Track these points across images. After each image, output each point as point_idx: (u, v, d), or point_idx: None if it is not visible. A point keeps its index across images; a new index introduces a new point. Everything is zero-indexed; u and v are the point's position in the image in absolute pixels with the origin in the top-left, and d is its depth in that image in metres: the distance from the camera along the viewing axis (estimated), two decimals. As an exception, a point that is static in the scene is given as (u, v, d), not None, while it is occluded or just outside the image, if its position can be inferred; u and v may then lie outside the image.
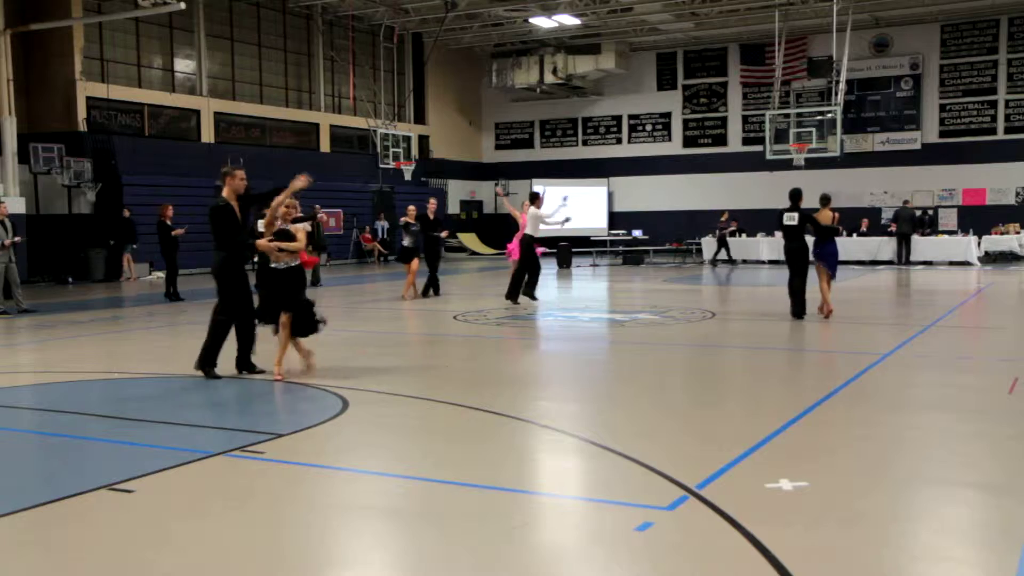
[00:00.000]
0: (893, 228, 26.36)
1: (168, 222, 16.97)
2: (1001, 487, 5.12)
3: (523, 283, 15.26)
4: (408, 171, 29.06)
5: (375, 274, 25.30)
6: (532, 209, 15.39)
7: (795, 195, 13.10)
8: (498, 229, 37.66)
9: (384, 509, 4.92)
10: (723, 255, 27.14)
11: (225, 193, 8.64)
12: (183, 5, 20.48)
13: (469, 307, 15.46)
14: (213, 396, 8.42)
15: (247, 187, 8.82)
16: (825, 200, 13.35)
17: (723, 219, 27.44)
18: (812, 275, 13.25)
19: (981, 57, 30.99)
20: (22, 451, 6.42)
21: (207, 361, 8.71)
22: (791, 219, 12.94)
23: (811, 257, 13.15)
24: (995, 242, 26.81)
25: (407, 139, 29.10)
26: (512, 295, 15.31)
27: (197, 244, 18.21)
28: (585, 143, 37.28)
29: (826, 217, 12.99)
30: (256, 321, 8.82)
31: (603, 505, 4.89)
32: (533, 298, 15.33)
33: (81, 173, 22.98)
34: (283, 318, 8.60)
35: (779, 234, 29.10)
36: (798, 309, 12.87)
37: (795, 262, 13.09)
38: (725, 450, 5.76)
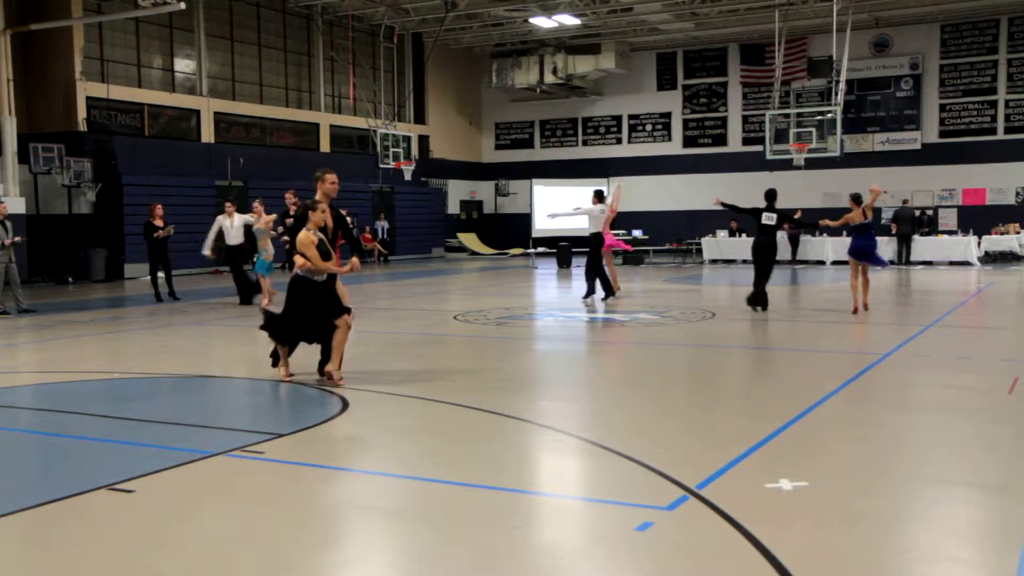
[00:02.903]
0: (894, 229, 26.35)
1: (157, 222, 16.42)
2: (1001, 487, 5.12)
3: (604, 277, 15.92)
4: (408, 171, 29.07)
5: (375, 274, 25.30)
6: (600, 205, 15.97)
7: (771, 195, 14.04)
8: (498, 229, 37.71)
9: (384, 509, 4.92)
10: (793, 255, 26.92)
11: (318, 196, 8.39)
12: (183, 5, 20.47)
13: (469, 307, 15.46)
14: (213, 396, 8.43)
15: (340, 214, 8.47)
16: (857, 199, 13.73)
17: (796, 215, 26.81)
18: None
19: (981, 57, 30.99)
20: (22, 451, 6.42)
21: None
22: (769, 219, 13.75)
23: (847, 254, 13.73)
24: (995, 242, 26.81)
25: (407, 139, 29.10)
26: (608, 289, 15.92)
27: (191, 244, 18.26)
28: (585, 143, 37.28)
29: (859, 215, 13.52)
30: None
31: (603, 505, 4.89)
32: (593, 292, 15.91)
33: (81, 173, 22.95)
34: (342, 321, 8.03)
35: (779, 234, 29.25)
36: (756, 300, 13.88)
37: (763, 260, 13.96)
38: (725, 450, 5.76)
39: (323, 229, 8.06)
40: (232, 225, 16.28)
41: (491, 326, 12.82)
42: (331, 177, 8.47)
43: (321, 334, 8.13)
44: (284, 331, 8.23)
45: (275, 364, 8.50)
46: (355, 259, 8.32)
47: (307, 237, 7.85)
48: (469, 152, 38.25)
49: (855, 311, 13.24)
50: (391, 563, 4.21)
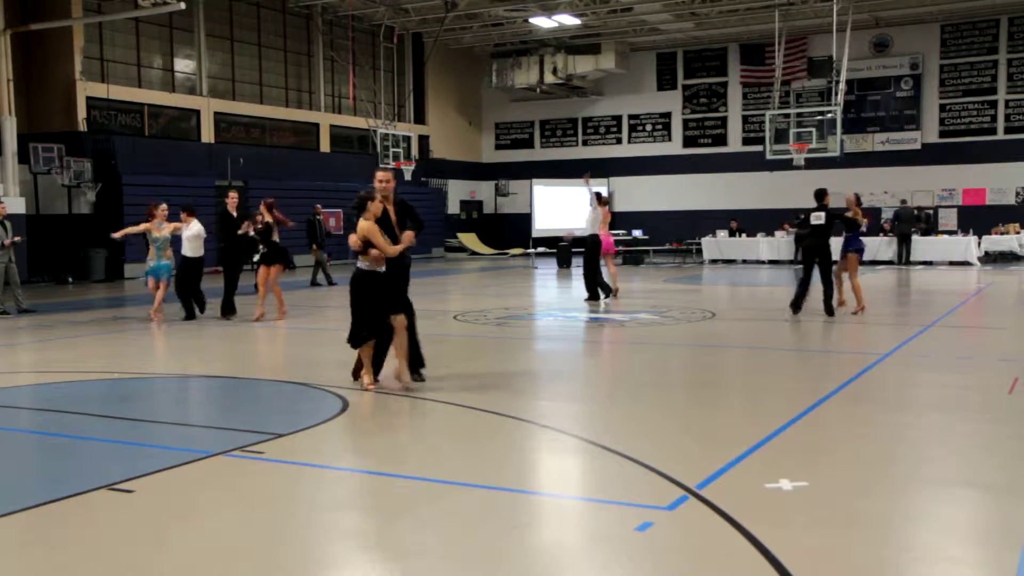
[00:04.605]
0: (888, 227, 26.41)
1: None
2: (1001, 487, 5.12)
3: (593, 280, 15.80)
4: (408, 171, 29.06)
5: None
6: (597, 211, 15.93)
7: (820, 195, 13.30)
8: (498, 229, 37.72)
9: (384, 509, 4.92)
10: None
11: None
12: (183, 5, 20.47)
13: (469, 307, 15.46)
14: (213, 396, 8.43)
15: (399, 201, 8.26)
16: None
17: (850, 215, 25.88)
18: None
19: (981, 57, 30.99)
20: (22, 451, 6.42)
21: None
22: (818, 218, 13.11)
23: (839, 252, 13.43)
24: (995, 242, 26.82)
25: (407, 139, 29.08)
26: (597, 291, 15.76)
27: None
28: (585, 143, 37.28)
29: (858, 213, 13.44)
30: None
31: (603, 505, 4.89)
32: (597, 297, 15.76)
33: (81, 173, 22.97)
34: (396, 322, 7.79)
35: (779, 234, 29.06)
36: (796, 303, 13.11)
37: (809, 262, 13.15)
38: (725, 450, 5.76)
39: (386, 219, 7.92)
40: (184, 233, 13.63)
41: (491, 326, 12.82)
42: (379, 175, 8.40)
43: (384, 330, 7.81)
44: (360, 333, 7.85)
45: (356, 376, 8.10)
46: (409, 232, 8.10)
47: (369, 225, 7.63)
48: (469, 152, 38.25)
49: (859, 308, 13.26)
50: (390, 563, 4.21)
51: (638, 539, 4.29)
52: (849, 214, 13.24)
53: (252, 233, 13.48)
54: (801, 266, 13.68)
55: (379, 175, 8.45)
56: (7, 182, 21.52)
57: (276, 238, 13.65)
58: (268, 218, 13.57)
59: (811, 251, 13.15)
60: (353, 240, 7.72)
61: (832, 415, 6.98)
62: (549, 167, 36.99)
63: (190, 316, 13.54)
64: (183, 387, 8.68)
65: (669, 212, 34.62)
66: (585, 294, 15.91)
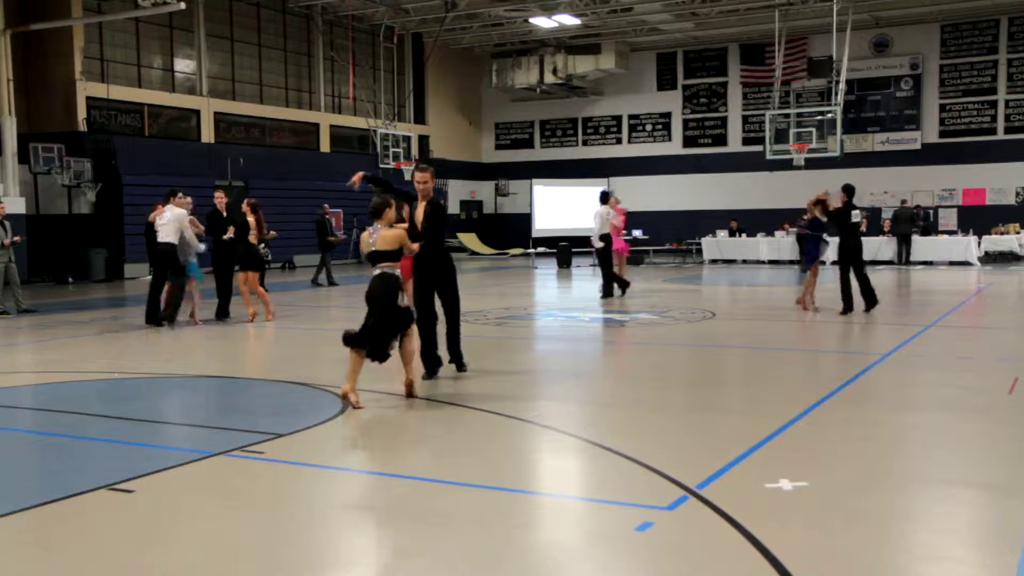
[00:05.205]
0: (886, 226, 26.44)
1: None
2: (1001, 487, 5.12)
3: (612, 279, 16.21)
4: (408, 171, 29.06)
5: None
6: (605, 207, 16.30)
7: (854, 191, 13.58)
8: (498, 229, 37.70)
9: (384, 509, 4.92)
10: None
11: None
12: (183, 5, 20.47)
13: (469, 307, 15.43)
14: (213, 396, 8.43)
15: (435, 203, 8.15)
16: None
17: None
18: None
19: (981, 57, 30.99)
20: (22, 451, 6.42)
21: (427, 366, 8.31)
22: (857, 216, 13.37)
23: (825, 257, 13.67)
24: (995, 242, 26.82)
25: (407, 139, 29.11)
26: (610, 289, 16.21)
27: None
28: (585, 143, 37.28)
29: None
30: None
31: (603, 505, 4.89)
32: (609, 294, 16.11)
33: (81, 173, 22.98)
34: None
35: (779, 233, 29.06)
36: (870, 302, 13.18)
37: (858, 258, 13.35)
38: (725, 450, 5.76)
39: (410, 220, 7.89)
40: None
41: (491, 326, 12.82)
42: (418, 176, 8.29)
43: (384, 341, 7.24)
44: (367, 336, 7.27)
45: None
46: (416, 244, 7.82)
47: (398, 232, 7.38)
48: (469, 152, 38.25)
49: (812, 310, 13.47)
50: (391, 563, 4.21)
51: (638, 539, 4.29)
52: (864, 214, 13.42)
53: (231, 235, 13.27)
54: (839, 268, 13.59)
55: (417, 176, 8.31)
56: (7, 182, 21.53)
57: (254, 239, 13.25)
58: (249, 218, 13.27)
59: (856, 250, 13.35)
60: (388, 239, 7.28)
61: (832, 415, 6.97)
62: (549, 167, 36.99)
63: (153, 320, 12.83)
64: (183, 387, 8.67)
65: (669, 212, 34.61)
66: (617, 291, 16.35)
